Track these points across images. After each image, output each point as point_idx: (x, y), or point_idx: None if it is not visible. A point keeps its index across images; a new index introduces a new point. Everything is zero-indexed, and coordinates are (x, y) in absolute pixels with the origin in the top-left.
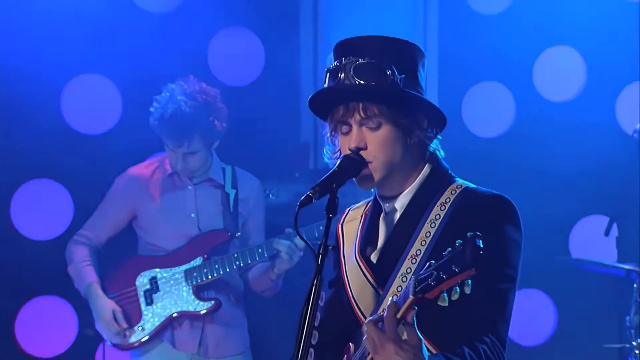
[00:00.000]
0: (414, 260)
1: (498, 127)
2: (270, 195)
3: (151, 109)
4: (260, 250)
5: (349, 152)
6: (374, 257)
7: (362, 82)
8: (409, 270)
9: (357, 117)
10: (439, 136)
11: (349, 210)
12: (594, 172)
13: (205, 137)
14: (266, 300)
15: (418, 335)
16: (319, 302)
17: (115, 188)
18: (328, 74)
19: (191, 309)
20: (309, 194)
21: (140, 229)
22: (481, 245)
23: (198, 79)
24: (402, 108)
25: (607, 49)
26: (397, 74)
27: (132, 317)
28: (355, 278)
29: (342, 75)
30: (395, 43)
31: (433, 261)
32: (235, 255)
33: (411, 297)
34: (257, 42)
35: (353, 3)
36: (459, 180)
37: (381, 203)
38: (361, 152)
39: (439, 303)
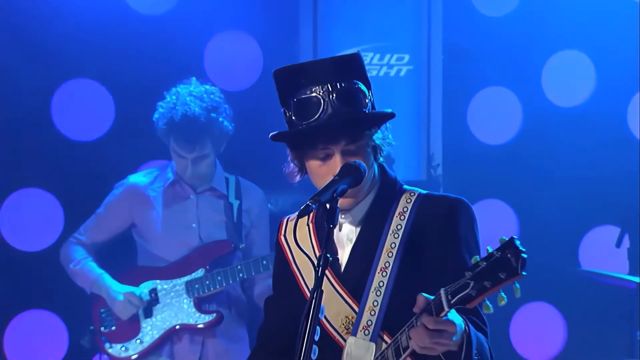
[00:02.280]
0: (384, 273)
1: (505, 134)
2: (269, 205)
3: (156, 115)
4: (264, 262)
5: (326, 177)
6: (341, 271)
7: (349, 108)
8: (381, 284)
9: (343, 143)
10: (392, 142)
11: (287, 221)
12: (605, 180)
13: (215, 140)
14: None
15: (454, 323)
16: (319, 315)
17: (114, 195)
18: (300, 105)
19: (192, 321)
20: (308, 204)
21: (140, 237)
22: (522, 249)
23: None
24: (378, 127)
25: (618, 53)
26: (367, 93)
27: (130, 330)
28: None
29: (325, 104)
30: (350, 60)
31: (469, 272)
32: (239, 267)
33: (446, 309)
34: (255, 45)
35: (354, 6)
36: (407, 187)
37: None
38: None
39: (484, 311)
